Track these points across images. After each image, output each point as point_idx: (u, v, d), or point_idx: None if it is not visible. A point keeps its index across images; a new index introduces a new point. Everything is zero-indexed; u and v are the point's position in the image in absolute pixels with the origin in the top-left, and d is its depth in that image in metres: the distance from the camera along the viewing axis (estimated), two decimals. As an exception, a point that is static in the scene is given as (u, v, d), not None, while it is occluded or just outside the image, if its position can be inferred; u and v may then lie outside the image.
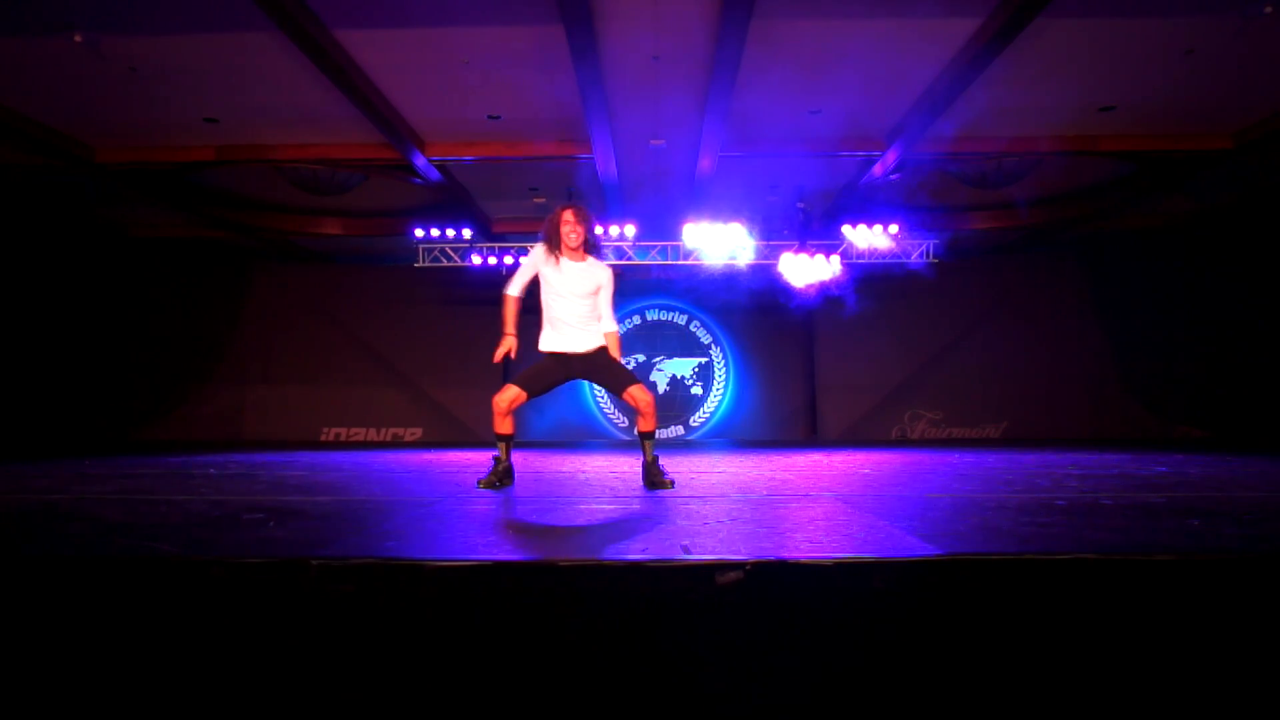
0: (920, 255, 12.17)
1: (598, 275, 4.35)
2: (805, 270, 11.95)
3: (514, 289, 4.40)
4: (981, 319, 14.67)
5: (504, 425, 4.31)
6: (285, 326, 14.80)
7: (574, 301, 4.30)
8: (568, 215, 4.27)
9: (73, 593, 2.07)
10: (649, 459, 4.43)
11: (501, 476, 4.39)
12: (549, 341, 4.34)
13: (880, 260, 12.13)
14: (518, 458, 8.35)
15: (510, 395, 4.26)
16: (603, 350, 4.38)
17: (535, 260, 4.34)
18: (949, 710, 1.94)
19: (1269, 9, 6.59)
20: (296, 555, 2.16)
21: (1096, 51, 7.48)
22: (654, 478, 4.39)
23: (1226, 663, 1.98)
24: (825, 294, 12.34)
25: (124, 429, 13.46)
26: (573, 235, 4.26)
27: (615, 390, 4.40)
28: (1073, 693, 1.96)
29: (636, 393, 4.30)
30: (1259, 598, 2.06)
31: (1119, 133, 9.36)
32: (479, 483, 4.42)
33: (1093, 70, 7.81)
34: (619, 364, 4.42)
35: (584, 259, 4.34)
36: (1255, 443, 10.40)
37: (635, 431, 4.52)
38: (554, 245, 4.28)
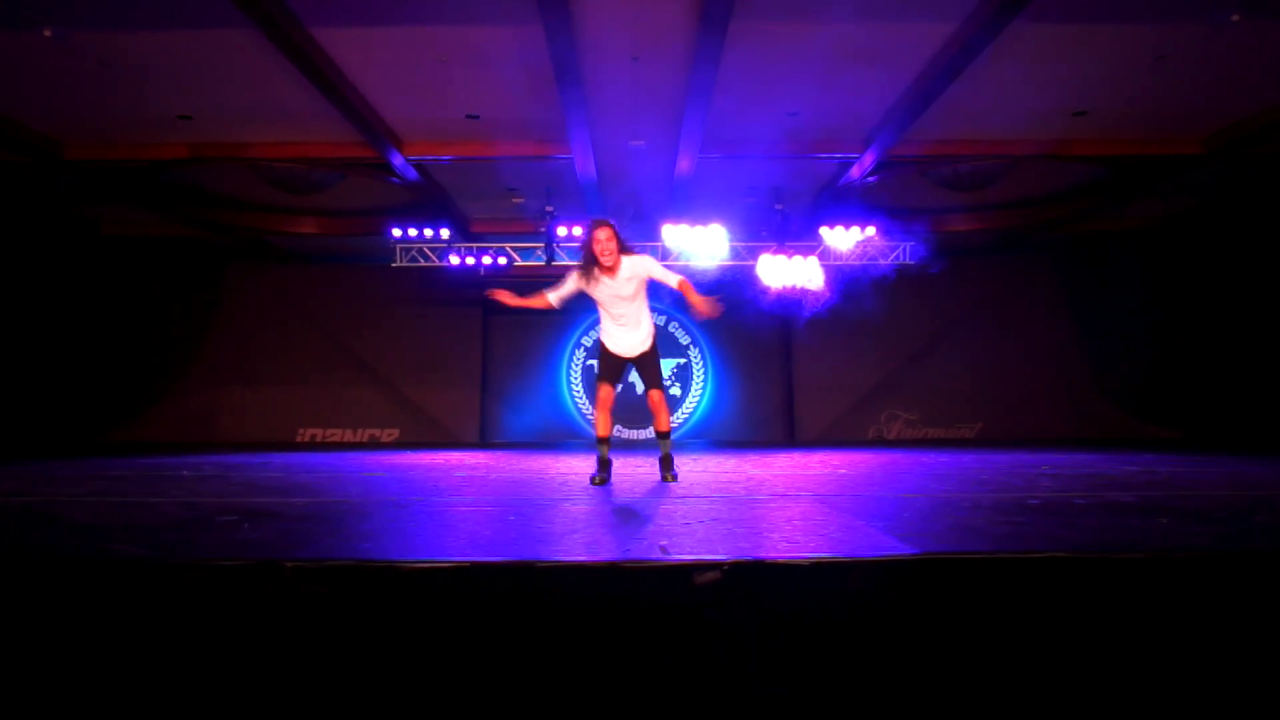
0: (897, 257, 12.26)
1: (636, 270, 4.75)
2: (783, 271, 12.00)
3: (553, 296, 4.91)
4: (957, 320, 14.81)
5: (602, 424, 4.81)
6: (260, 326, 14.62)
7: (620, 306, 4.79)
8: (599, 234, 4.66)
9: (42, 596, 2.03)
10: (664, 454, 5.04)
11: (607, 470, 4.86)
12: (608, 343, 4.90)
13: (858, 262, 12.21)
14: (496, 458, 8.34)
15: (604, 392, 4.82)
16: (652, 349, 4.91)
17: (575, 283, 4.81)
18: (926, 707, 1.96)
19: (1236, 17, 6.72)
20: (271, 557, 2.14)
21: (1070, 57, 7.56)
22: (665, 470, 4.98)
23: (1195, 658, 2.01)
24: (803, 295, 12.39)
25: (95, 430, 13.24)
26: (607, 253, 4.65)
27: (645, 384, 4.90)
28: (1047, 689, 1.98)
29: (654, 396, 4.86)
30: (1226, 595, 2.09)
31: (1092, 137, 9.48)
32: (592, 480, 4.84)
33: (1066, 75, 7.91)
34: (658, 366, 4.92)
35: (619, 264, 4.71)
36: (1223, 442, 10.59)
37: (654, 430, 5.09)
38: (590, 263, 4.70)
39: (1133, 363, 13.48)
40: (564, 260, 11.58)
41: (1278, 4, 6.52)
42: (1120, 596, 2.08)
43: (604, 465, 4.82)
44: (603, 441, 4.81)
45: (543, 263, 11.99)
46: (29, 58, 7.41)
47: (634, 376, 5.15)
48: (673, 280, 4.81)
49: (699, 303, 4.70)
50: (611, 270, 4.68)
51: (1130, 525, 2.78)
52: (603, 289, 4.74)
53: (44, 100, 8.36)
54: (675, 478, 4.96)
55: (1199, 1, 6.56)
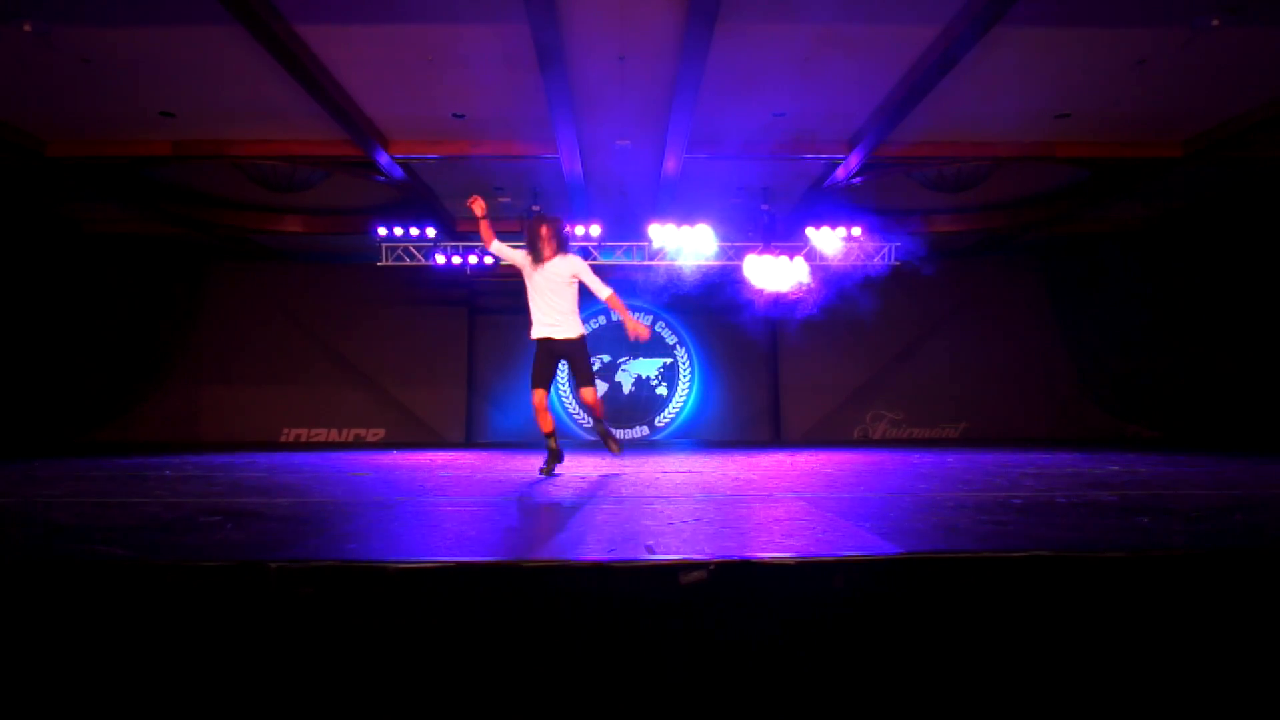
0: (883, 258, 12.31)
1: (571, 266, 5.32)
2: (769, 272, 12.03)
3: (496, 245, 5.52)
4: (942, 321, 14.90)
5: (544, 422, 5.41)
6: (244, 325, 14.53)
7: (547, 297, 5.29)
8: (542, 230, 5.28)
9: (20, 599, 2.01)
10: (603, 431, 5.61)
11: (554, 461, 5.44)
12: (535, 330, 5.35)
13: (843, 262, 12.26)
14: (482, 458, 8.31)
15: (537, 396, 5.35)
16: (581, 340, 5.36)
17: (517, 256, 5.40)
18: (910, 705, 1.98)
19: (1216, 22, 6.79)
20: (255, 558, 2.13)
21: (1053, 60, 7.63)
22: (610, 442, 5.57)
23: (1173, 657, 2.04)
24: (789, 295, 12.42)
25: (77, 431, 13.11)
26: (547, 247, 5.27)
27: (574, 381, 5.45)
28: (1029, 687, 2.00)
29: (584, 393, 5.42)
30: (1204, 594, 2.12)
31: (1075, 139, 9.56)
32: (541, 471, 5.41)
33: (1049, 78, 7.97)
34: (586, 361, 5.41)
35: (556, 257, 5.30)
36: (1202, 442, 10.70)
37: (591, 420, 5.76)
38: (533, 251, 5.29)
39: (1115, 363, 13.60)
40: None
41: (1257, 9, 6.60)
42: (1101, 594, 2.10)
43: (553, 456, 5.42)
44: (549, 436, 5.44)
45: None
46: (8, 53, 7.33)
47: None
48: (602, 292, 5.37)
49: (627, 319, 5.34)
50: (542, 262, 5.27)
51: (1111, 525, 2.81)
52: (536, 276, 5.30)
53: (24, 96, 8.27)
54: (621, 447, 5.65)
55: (1180, 6, 6.64)
